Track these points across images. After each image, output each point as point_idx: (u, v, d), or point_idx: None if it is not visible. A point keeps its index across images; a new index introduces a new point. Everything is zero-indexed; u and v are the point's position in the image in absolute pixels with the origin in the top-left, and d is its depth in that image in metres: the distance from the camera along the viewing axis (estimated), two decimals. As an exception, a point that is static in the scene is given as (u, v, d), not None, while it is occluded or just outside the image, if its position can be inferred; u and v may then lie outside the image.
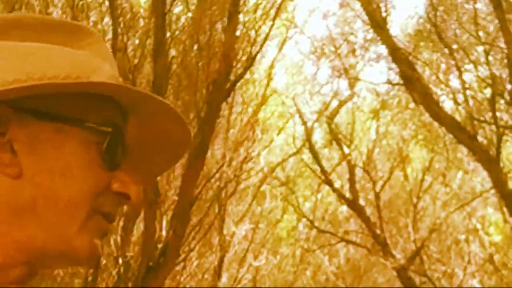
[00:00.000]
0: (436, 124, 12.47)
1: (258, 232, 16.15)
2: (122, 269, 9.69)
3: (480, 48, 12.02)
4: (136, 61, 10.11)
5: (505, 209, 12.41)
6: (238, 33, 10.21)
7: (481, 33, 11.76)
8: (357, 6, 13.13)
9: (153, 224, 9.34)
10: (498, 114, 11.46)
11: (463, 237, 15.79)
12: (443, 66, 12.88)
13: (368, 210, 15.16)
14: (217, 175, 11.62)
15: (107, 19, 10.78)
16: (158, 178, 9.75)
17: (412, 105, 13.36)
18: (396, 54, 11.75)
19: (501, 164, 11.24)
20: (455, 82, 12.67)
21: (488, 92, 11.88)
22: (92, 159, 0.93)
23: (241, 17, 10.47)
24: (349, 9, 14.36)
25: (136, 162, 1.04)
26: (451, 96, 12.43)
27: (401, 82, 12.28)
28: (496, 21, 10.87)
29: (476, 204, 15.88)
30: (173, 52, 10.14)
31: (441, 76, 12.62)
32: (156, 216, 9.47)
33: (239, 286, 15.28)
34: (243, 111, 13.00)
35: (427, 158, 15.71)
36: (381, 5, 12.20)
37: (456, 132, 11.22)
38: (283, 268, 17.91)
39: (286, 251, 18.06)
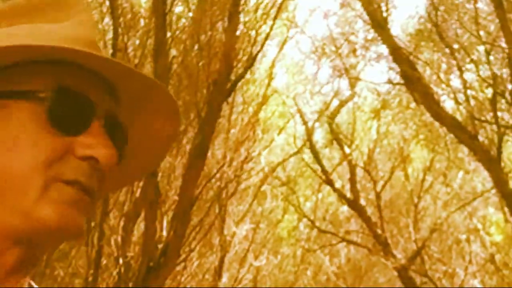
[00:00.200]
0: (437, 124, 12.48)
1: (259, 232, 16.15)
2: (122, 269, 9.69)
3: (481, 48, 12.02)
4: (136, 61, 10.11)
5: (506, 209, 12.39)
6: (238, 33, 10.22)
7: (482, 33, 11.77)
8: (358, 6, 13.14)
9: (154, 224, 9.34)
10: (499, 114, 11.46)
11: (464, 237, 15.78)
12: (444, 65, 12.90)
13: (369, 210, 15.16)
14: (217, 175, 11.62)
15: (107, 19, 10.80)
16: (159, 178, 9.77)
17: (413, 104, 13.36)
18: (397, 54, 11.75)
19: (502, 164, 11.23)
20: (456, 82, 12.69)
21: (489, 92, 11.89)
22: (42, 128, 0.91)
23: (241, 17, 10.47)
24: (350, 9, 14.37)
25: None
26: (452, 95, 12.44)
27: (402, 82, 12.29)
28: (497, 20, 10.87)
29: (477, 204, 15.89)
30: (173, 52, 10.15)
31: (442, 75, 12.63)
32: (157, 216, 9.48)
33: (239, 286, 15.28)
34: (243, 111, 13.00)
35: (428, 158, 15.72)
36: (382, 5, 12.21)
37: (457, 132, 11.22)
38: (283, 268, 17.92)
39: (287, 251, 18.06)
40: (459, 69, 12.22)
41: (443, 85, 12.54)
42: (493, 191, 13.14)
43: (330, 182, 15.73)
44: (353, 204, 15.24)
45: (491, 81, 11.56)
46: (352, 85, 16.01)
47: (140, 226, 10.45)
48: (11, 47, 0.90)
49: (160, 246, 9.16)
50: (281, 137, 16.78)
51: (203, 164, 9.52)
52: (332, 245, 17.32)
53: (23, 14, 1.02)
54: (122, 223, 9.96)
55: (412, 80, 11.40)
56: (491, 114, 11.50)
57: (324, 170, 15.74)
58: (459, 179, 15.96)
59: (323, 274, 17.98)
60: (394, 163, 15.84)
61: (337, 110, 16.26)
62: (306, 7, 22.03)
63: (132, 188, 9.78)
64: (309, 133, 16.03)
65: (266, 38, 11.04)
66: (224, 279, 14.36)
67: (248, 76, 11.71)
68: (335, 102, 16.37)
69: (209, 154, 10.03)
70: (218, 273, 13.41)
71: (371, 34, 13.76)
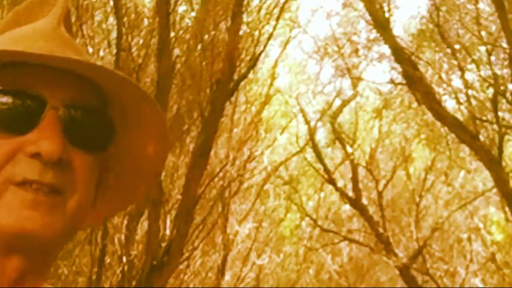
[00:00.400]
0: (438, 123, 12.47)
1: (262, 231, 16.19)
2: (126, 268, 9.73)
3: (483, 48, 12.03)
4: (140, 60, 10.14)
5: (507, 208, 12.42)
6: (241, 33, 10.22)
7: (483, 33, 11.77)
8: (360, 6, 13.12)
9: (157, 223, 9.36)
10: (500, 113, 11.47)
11: (465, 236, 15.80)
12: (445, 66, 12.90)
13: (371, 209, 15.17)
14: (220, 174, 11.65)
15: (111, 19, 10.83)
16: (162, 177, 9.81)
17: (414, 104, 13.35)
18: (399, 54, 11.75)
19: (503, 164, 11.24)
20: (457, 82, 12.74)
21: (490, 91, 11.90)
22: None
23: (244, 17, 10.48)
24: (352, 9, 14.36)
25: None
26: (453, 95, 12.45)
27: (404, 81, 12.29)
28: (498, 21, 10.88)
29: (478, 203, 15.90)
30: (177, 52, 10.17)
31: (443, 75, 12.64)
32: (160, 215, 9.51)
33: (242, 284, 15.32)
34: (246, 111, 13.04)
35: (429, 158, 15.72)
36: (384, 5, 12.22)
37: (458, 131, 11.23)
38: (286, 266, 17.94)
39: (289, 250, 18.09)
40: (461, 69, 12.23)
41: (445, 85, 12.55)
42: (494, 190, 13.15)
43: (332, 181, 15.75)
44: (355, 203, 15.26)
45: (492, 81, 11.58)
46: (354, 85, 16.02)
47: (143, 225, 10.48)
48: None
49: (163, 244, 9.18)
50: (283, 137, 16.81)
51: (206, 163, 9.54)
52: (334, 243, 17.33)
53: (16, 19, 1.05)
54: (125, 222, 10.01)
55: (413, 80, 11.40)
56: (492, 114, 11.52)
57: (326, 169, 15.75)
58: (460, 178, 15.98)
59: (325, 272, 18.01)
60: (396, 163, 15.86)
61: (339, 110, 16.26)
62: (308, 7, 22.03)
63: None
64: (312, 132, 16.04)
65: (269, 38, 11.07)
66: (227, 277, 14.41)
67: (251, 75, 11.74)
68: (337, 102, 16.38)
69: (212, 153, 10.05)
70: (221, 272, 13.45)
71: (373, 34, 13.77)
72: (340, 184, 15.90)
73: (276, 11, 11.23)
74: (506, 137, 11.54)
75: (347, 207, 16.75)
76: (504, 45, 10.98)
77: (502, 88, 11.44)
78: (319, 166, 16.02)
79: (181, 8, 10.94)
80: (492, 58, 11.69)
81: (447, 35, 12.20)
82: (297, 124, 16.69)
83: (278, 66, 14.84)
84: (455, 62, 12.30)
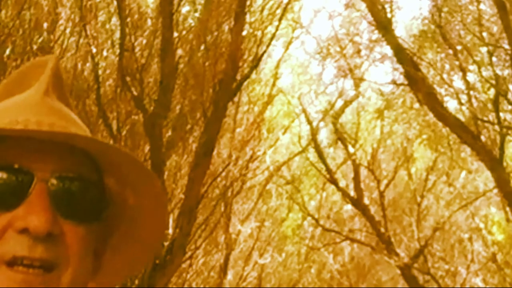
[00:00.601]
0: (440, 124, 12.48)
1: (264, 230, 16.20)
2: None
3: (484, 49, 12.04)
4: (143, 60, 10.17)
5: (508, 209, 12.46)
6: (244, 33, 10.25)
7: (485, 34, 11.78)
8: (363, 6, 13.14)
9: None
10: (501, 114, 11.48)
11: (466, 236, 15.79)
12: (447, 66, 12.89)
13: (373, 209, 15.18)
14: (223, 174, 11.67)
15: (115, 19, 10.87)
16: (165, 176, 9.85)
17: (416, 105, 13.37)
18: (401, 55, 11.77)
19: (504, 164, 11.27)
20: (459, 83, 12.70)
21: (491, 92, 11.93)
22: None
23: (247, 17, 10.51)
24: (355, 9, 14.38)
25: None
26: (455, 96, 12.46)
27: (406, 82, 12.30)
28: (500, 22, 10.90)
29: (479, 204, 15.86)
30: (180, 52, 10.19)
31: (445, 76, 12.63)
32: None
33: (244, 283, 15.35)
34: (249, 111, 13.06)
35: (431, 158, 15.72)
36: (386, 6, 12.24)
37: (460, 132, 11.25)
38: (288, 266, 17.94)
39: (291, 249, 18.09)
40: (462, 70, 12.24)
41: (446, 86, 12.55)
42: (495, 190, 13.17)
43: (334, 181, 15.75)
44: (357, 203, 15.26)
45: (493, 82, 11.60)
46: (357, 85, 16.02)
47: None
48: None
49: (166, 243, 9.21)
50: (286, 137, 16.81)
51: (209, 162, 9.57)
52: (336, 243, 17.33)
53: (8, 89, 1.03)
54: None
55: (415, 81, 11.42)
56: (494, 114, 11.55)
57: (328, 169, 15.75)
58: (462, 178, 15.96)
59: (327, 272, 18.02)
60: (398, 163, 15.87)
61: (342, 110, 16.27)
62: (311, 8, 21.95)
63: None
64: (314, 132, 16.05)
65: (271, 39, 11.11)
66: (229, 276, 14.44)
67: (253, 76, 11.78)
68: (340, 102, 16.37)
69: (214, 153, 10.08)
70: (223, 271, 13.47)
71: (376, 35, 13.76)
72: (342, 184, 15.90)
73: (279, 11, 11.26)
74: (508, 137, 11.57)
75: (349, 207, 16.75)
76: (506, 46, 11.00)
77: (503, 89, 11.47)
78: (321, 166, 16.02)
79: (184, 9, 10.99)
80: (494, 59, 11.71)
81: (448, 36, 12.21)
82: (299, 124, 16.70)
83: (281, 66, 14.87)
84: (457, 63, 12.30)
